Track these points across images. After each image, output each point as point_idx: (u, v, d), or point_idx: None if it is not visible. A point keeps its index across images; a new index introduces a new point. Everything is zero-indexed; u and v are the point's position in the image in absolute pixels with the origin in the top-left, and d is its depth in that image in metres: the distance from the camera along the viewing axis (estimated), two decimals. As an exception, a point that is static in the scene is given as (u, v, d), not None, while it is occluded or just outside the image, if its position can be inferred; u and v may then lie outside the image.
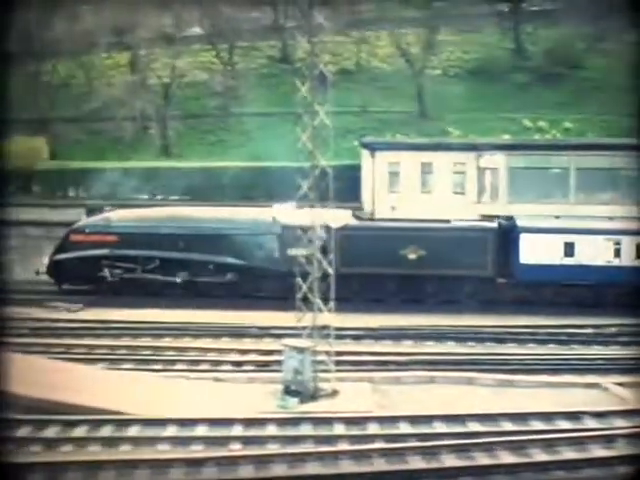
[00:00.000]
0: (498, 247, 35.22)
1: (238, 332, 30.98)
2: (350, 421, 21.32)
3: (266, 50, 67.66)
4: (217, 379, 24.92)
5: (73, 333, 31.09)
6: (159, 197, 47.11)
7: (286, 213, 36.08)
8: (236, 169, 47.87)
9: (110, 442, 19.98)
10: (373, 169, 41.67)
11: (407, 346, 29.69)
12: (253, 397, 23.16)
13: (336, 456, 19.21)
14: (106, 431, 20.56)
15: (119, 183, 47.26)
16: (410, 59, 58.08)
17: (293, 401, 22.60)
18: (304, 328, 23.63)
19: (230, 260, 36.67)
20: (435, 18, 59.54)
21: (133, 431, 20.56)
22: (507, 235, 35.53)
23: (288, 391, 22.99)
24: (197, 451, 19.63)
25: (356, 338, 30.24)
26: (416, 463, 18.97)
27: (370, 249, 35.46)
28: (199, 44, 65.62)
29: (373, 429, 20.94)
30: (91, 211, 40.12)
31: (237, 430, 20.79)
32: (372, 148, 42.20)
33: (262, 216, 37.30)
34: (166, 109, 58.26)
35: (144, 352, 28.35)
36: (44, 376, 23.72)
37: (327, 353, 23.66)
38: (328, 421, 21.33)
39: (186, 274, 36.98)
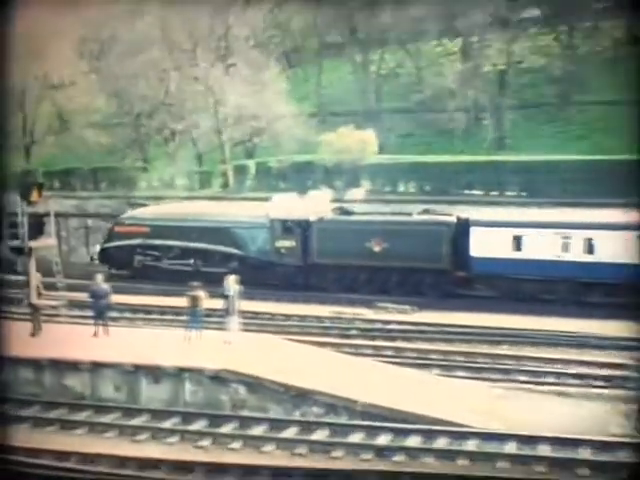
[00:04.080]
0: (453, 241, 37.74)
1: (580, 342, 29.98)
2: None
3: (611, 31, 65.12)
4: (561, 393, 24.17)
5: (404, 336, 31.85)
6: (494, 193, 46.77)
7: (277, 207, 41.51)
8: (578, 163, 46.32)
9: (446, 455, 19.93)
10: None
11: None
12: (603, 417, 22.16)
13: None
14: (441, 443, 20.52)
15: (451, 178, 47.65)
16: None
17: (651, 425, 21.36)
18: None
19: (233, 250, 42.03)
20: None
21: (471, 445, 20.37)
22: (462, 229, 37.72)
23: (645, 413, 21.77)
24: (541, 473, 19.07)
25: None
26: None
27: (342, 241, 39.53)
28: (536, 27, 64.49)
29: None
30: (134, 205, 48.19)
31: (585, 453, 19.93)
32: None
33: (259, 210, 42.22)
34: (501, 98, 57.86)
35: (480, 360, 28.27)
36: (386, 383, 24.20)
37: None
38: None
39: (200, 262, 42.77)
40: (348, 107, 62.72)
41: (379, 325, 33.71)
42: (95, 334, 27.06)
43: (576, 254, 35.77)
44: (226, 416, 22.54)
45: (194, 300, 26.35)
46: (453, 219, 38.36)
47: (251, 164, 55.96)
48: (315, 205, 41.66)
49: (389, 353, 29.19)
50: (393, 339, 31.60)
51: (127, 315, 36.05)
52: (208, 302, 26.93)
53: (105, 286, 27.12)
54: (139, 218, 45.52)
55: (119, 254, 44.92)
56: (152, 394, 23.97)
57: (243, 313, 31.12)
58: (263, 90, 57.12)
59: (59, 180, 60.64)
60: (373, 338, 31.76)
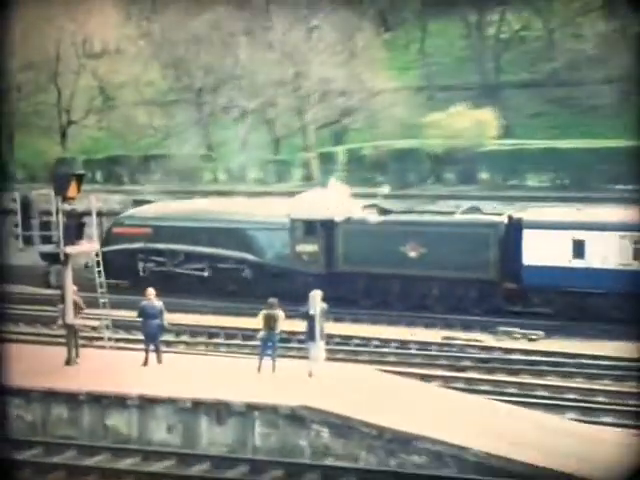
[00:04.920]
0: (503, 246, 38.97)
1: None
2: None
3: None
4: None
5: (532, 369, 31.74)
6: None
7: (300, 204, 43.14)
8: None
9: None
10: None
11: None
12: None
13: None
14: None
15: (592, 169, 47.09)
16: None
17: None
18: None
19: (247, 256, 44.19)
20: None
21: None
22: (513, 232, 38.90)
23: None
24: None
25: None
26: None
27: (372, 245, 41.11)
28: None
29: None
30: (137, 202, 49.82)
31: None
32: None
33: (279, 209, 44.01)
34: (658, 66, 56.98)
35: (630, 402, 27.90)
36: (507, 427, 24.04)
37: None
38: None
39: (209, 270, 45.02)
40: (461, 80, 62.66)
41: (499, 354, 33.62)
42: (145, 362, 27.32)
43: None
44: (305, 465, 22.59)
45: (270, 320, 26.32)
46: (502, 219, 39.59)
47: (340, 151, 56.15)
48: (345, 202, 42.93)
49: (512, 390, 29.10)
50: (517, 373, 31.47)
51: (185, 339, 36.58)
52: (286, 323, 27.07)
53: (158, 303, 27.35)
54: (140, 218, 47.49)
55: (117, 260, 46.19)
56: (214, 437, 24.07)
57: (330, 337, 31.36)
58: (354, 59, 57.32)
59: (103, 170, 61.70)
60: (492, 371, 31.74)
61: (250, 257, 43.95)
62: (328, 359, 27.33)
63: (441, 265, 39.47)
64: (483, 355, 33.61)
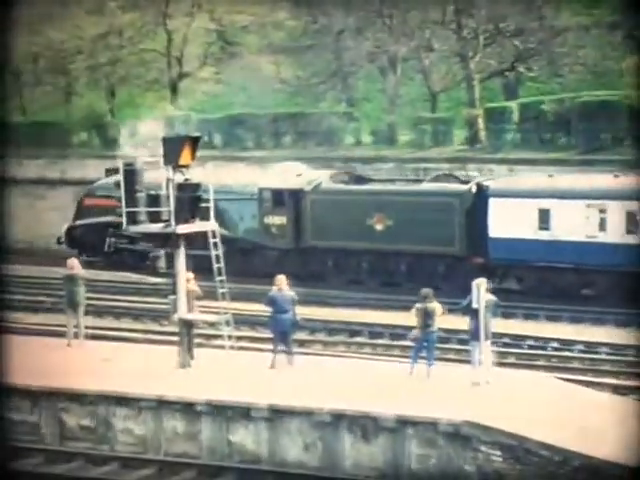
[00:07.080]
0: (469, 217, 43.62)
1: None
2: None
3: None
4: None
5: None
6: None
7: (272, 172, 48.65)
8: None
9: None
10: None
11: None
12: None
13: None
14: None
15: None
16: None
17: None
18: None
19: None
20: None
21: None
22: (480, 201, 43.56)
23: None
24: None
25: None
26: None
27: (339, 217, 46.21)
28: None
29: None
30: (110, 171, 51.28)
31: None
32: None
33: (250, 179, 49.00)
34: None
35: None
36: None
37: None
38: None
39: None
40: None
41: None
42: (272, 365, 27.84)
43: (615, 233, 40.01)
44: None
45: (425, 316, 26.44)
46: (469, 187, 44.40)
47: (514, 107, 55.85)
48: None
49: None
50: None
51: (321, 337, 37.14)
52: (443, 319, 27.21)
53: (290, 292, 27.57)
54: (110, 188, 48.89)
55: (88, 235, 50.34)
56: (359, 456, 24.23)
57: (498, 337, 31.40)
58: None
59: (222, 132, 62.30)
60: None
61: (221, 231, 46.24)
62: (496, 364, 27.40)
63: (407, 239, 44.32)
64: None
